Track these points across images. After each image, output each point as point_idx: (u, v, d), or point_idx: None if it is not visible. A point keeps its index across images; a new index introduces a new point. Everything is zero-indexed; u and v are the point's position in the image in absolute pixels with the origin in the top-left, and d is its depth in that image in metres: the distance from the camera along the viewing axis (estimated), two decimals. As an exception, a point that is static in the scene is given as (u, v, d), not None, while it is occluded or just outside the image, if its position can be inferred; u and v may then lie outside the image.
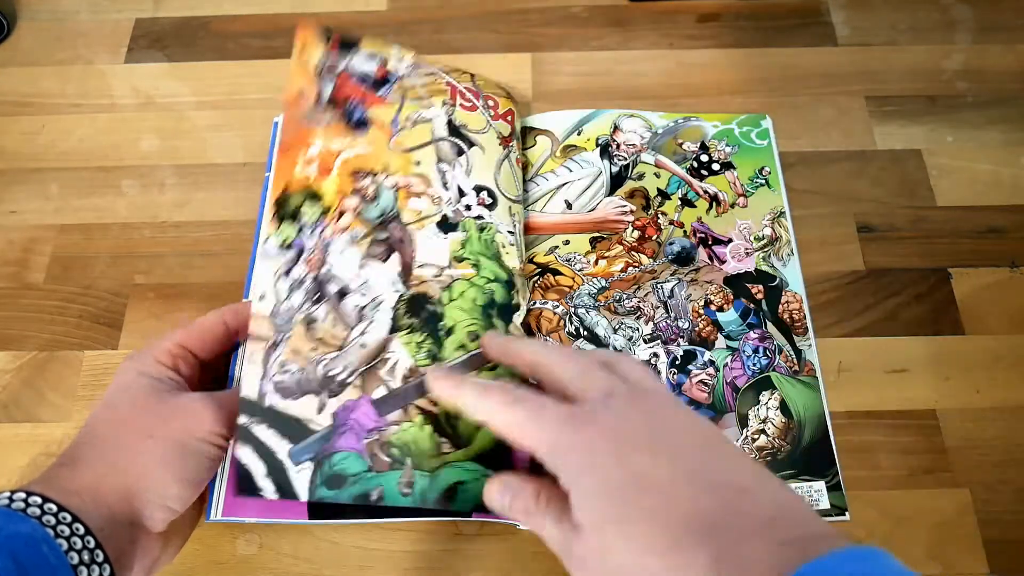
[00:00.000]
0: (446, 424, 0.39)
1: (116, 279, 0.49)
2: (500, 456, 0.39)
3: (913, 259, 0.49)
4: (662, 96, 0.54)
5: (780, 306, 0.46)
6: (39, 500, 0.30)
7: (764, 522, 0.27)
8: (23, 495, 0.30)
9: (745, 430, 0.42)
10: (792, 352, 0.45)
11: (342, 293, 0.41)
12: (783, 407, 0.43)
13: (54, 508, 0.30)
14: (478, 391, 0.33)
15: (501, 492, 0.33)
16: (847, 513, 0.41)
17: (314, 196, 0.43)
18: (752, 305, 0.46)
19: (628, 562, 0.27)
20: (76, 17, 0.59)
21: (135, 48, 0.58)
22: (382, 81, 0.47)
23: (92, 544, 0.30)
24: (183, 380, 0.38)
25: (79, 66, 0.57)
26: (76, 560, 0.29)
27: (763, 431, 0.42)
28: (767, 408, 0.43)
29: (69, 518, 0.30)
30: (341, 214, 0.43)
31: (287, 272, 0.41)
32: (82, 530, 0.30)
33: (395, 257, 0.43)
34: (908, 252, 0.49)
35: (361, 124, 0.45)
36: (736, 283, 0.46)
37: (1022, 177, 0.51)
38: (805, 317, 0.45)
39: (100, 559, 0.30)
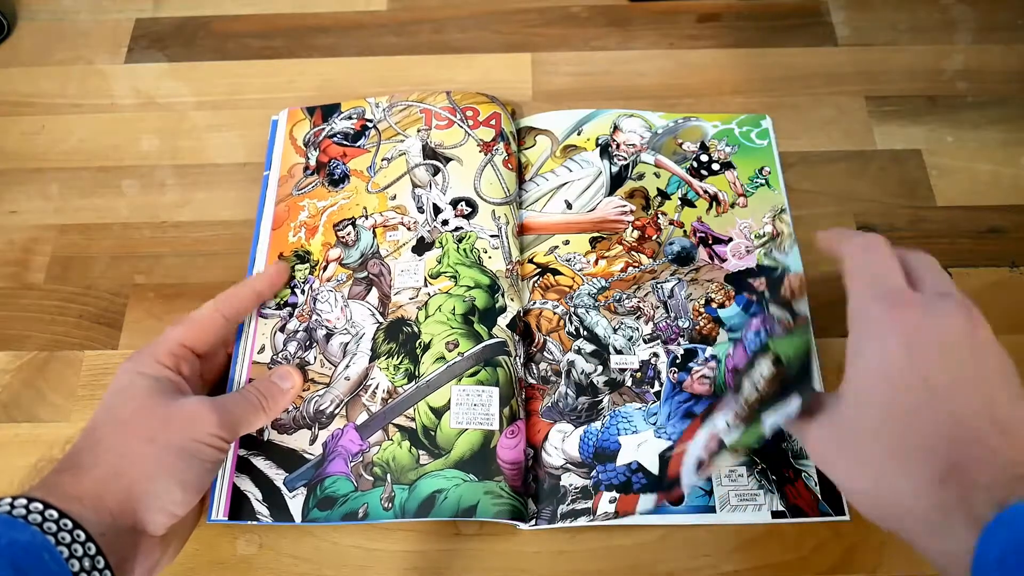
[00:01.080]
0: (423, 437, 0.41)
1: (116, 279, 0.49)
2: (481, 462, 0.40)
3: (913, 259, 0.48)
4: (662, 96, 0.54)
5: (781, 287, 0.46)
6: (40, 507, 0.30)
7: (1007, 461, 0.27)
8: (24, 501, 0.30)
9: (740, 395, 0.42)
10: (788, 315, 0.45)
11: (328, 335, 0.44)
12: (776, 361, 0.43)
13: (55, 515, 0.30)
14: (850, 237, 0.35)
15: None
16: (847, 513, 0.41)
17: (304, 256, 0.46)
18: (754, 297, 0.46)
19: (865, 441, 0.29)
20: (76, 17, 0.59)
21: (135, 48, 0.58)
22: (360, 133, 0.50)
23: (93, 551, 0.30)
24: (184, 381, 0.38)
25: (79, 66, 0.57)
26: (77, 568, 0.29)
27: (755, 388, 0.42)
28: (761, 367, 0.43)
29: (70, 525, 0.30)
30: (326, 265, 0.46)
31: (282, 327, 0.44)
32: (83, 537, 0.30)
33: (374, 291, 0.45)
34: (908, 252, 0.49)
35: (342, 179, 0.48)
36: (738, 280, 0.46)
37: (1022, 177, 0.51)
38: (803, 284, 0.45)
39: (101, 565, 0.30)
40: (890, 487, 0.29)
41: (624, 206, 0.49)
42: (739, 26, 0.57)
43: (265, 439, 0.42)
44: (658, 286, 0.46)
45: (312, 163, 0.49)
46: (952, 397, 0.29)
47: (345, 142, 0.50)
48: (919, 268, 0.34)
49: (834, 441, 0.31)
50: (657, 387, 0.43)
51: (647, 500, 0.40)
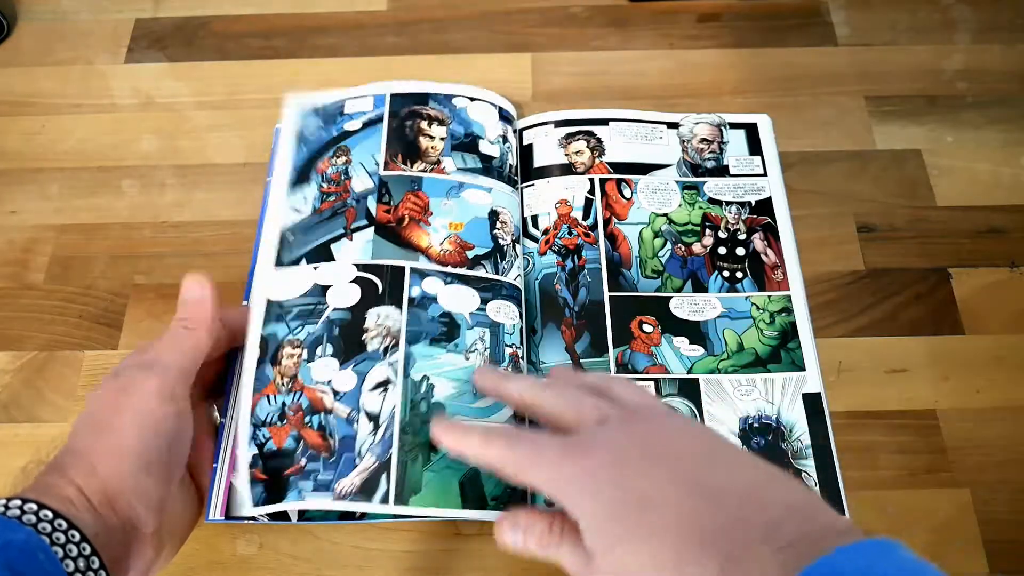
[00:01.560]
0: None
1: (116, 279, 0.49)
2: None
3: (913, 259, 0.49)
4: (662, 96, 0.54)
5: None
6: (34, 507, 0.30)
7: (769, 526, 0.27)
8: (18, 503, 0.30)
9: None
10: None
11: None
12: None
13: (49, 515, 0.30)
14: (481, 439, 0.34)
15: (512, 530, 0.33)
16: (847, 513, 0.41)
17: None
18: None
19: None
20: (76, 17, 0.59)
21: (135, 48, 0.58)
22: None
23: (88, 551, 0.30)
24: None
25: (79, 66, 0.57)
26: (72, 568, 0.29)
27: None
28: None
29: (64, 525, 0.30)
30: None
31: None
32: (77, 537, 0.30)
33: None
34: (908, 252, 0.49)
35: None
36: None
37: (1022, 177, 0.51)
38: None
39: (96, 565, 0.30)
40: None
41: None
42: (739, 26, 0.58)
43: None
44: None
45: None
46: (678, 498, 0.28)
47: None
48: (559, 412, 0.34)
49: None
50: None
51: None
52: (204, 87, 0.56)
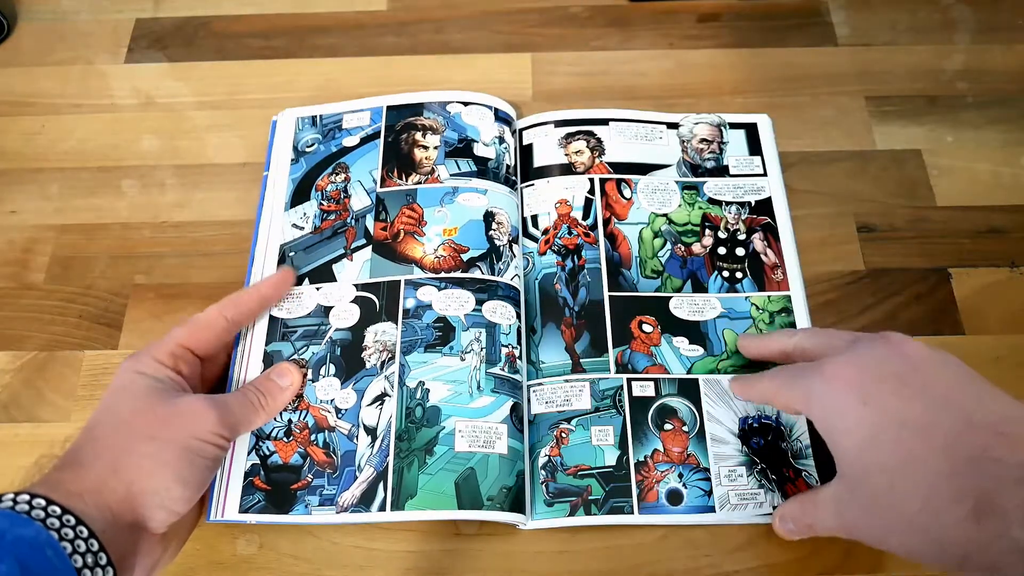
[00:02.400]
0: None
1: (116, 279, 0.49)
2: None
3: (913, 259, 0.49)
4: (662, 96, 0.54)
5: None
6: (43, 503, 0.30)
7: (1021, 468, 0.26)
8: (27, 497, 0.30)
9: None
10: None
11: None
12: None
13: (58, 511, 0.30)
14: (762, 380, 0.38)
15: (785, 527, 0.38)
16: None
17: None
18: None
19: (893, 508, 0.29)
20: (76, 17, 0.59)
21: (135, 48, 0.58)
22: None
23: (96, 547, 0.30)
24: (183, 380, 0.38)
25: (79, 66, 0.57)
26: (80, 563, 0.29)
27: None
28: None
29: (73, 521, 0.30)
30: None
31: None
32: (86, 533, 0.30)
33: None
34: (908, 252, 0.49)
35: None
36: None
37: (1022, 177, 0.51)
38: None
39: (103, 562, 0.30)
40: (939, 537, 0.28)
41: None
42: (739, 26, 0.57)
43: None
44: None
45: None
46: (936, 423, 0.28)
47: None
48: (812, 343, 0.35)
49: (873, 519, 0.30)
50: None
51: None
52: (204, 87, 0.56)
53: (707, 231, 0.48)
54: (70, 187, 0.52)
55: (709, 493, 0.41)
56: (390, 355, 0.43)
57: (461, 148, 0.49)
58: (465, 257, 0.45)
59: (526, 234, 0.48)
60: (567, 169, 0.50)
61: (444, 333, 0.43)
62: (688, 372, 0.44)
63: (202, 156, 0.53)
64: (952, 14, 0.58)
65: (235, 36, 0.58)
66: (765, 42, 0.57)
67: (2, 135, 0.54)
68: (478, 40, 0.57)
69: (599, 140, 0.51)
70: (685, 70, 0.56)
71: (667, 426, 0.42)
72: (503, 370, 0.42)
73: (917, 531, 0.29)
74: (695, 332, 0.45)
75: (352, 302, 0.44)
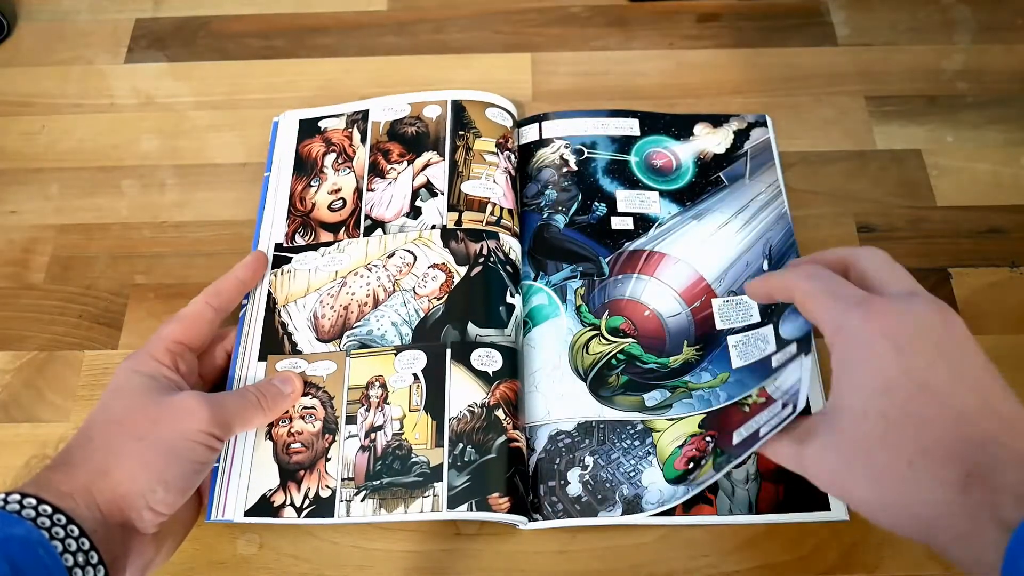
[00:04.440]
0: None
1: (116, 279, 0.49)
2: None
3: (913, 259, 0.48)
4: (661, 96, 0.54)
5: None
6: (34, 502, 0.30)
7: (1022, 456, 0.27)
8: (18, 497, 0.30)
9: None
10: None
11: None
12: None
13: (49, 510, 0.30)
14: (785, 271, 0.35)
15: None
16: (847, 513, 0.41)
17: None
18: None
19: (874, 458, 0.28)
20: (76, 17, 0.59)
21: (135, 48, 0.58)
22: None
23: (87, 546, 0.30)
24: (181, 378, 0.38)
25: (79, 66, 0.57)
26: (71, 562, 0.29)
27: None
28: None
29: (64, 520, 0.30)
30: None
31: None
32: (77, 532, 0.30)
33: None
34: (908, 252, 0.49)
35: None
36: None
37: (1022, 177, 0.51)
38: None
39: (95, 561, 0.30)
40: (913, 497, 0.28)
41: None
42: (739, 26, 0.57)
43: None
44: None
45: None
46: (954, 397, 0.28)
47: None
48: (874, 268, 0.33)
49: (841, 459, 0.30)
50: None
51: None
52: (204, 87, 0.56)
53: None
54: (70, 187, 0.52)
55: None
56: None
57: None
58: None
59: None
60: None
61: None
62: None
63: (202, 156, 0.53)
64: (952, 14, 0.58)
65: (235, 36, 0.58)
66: (765, 42, 0.57)
67: (2, 135, 0.54)
68: (478, 40, 0.57)
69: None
70: (685, 70, 0.56)
71: None
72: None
73: (890, 484, 0.28)
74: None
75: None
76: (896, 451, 0.28)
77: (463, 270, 0.45)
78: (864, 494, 0.29)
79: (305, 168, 0.50)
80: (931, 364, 0.29)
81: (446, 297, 0.44)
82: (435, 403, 0.41)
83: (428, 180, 0.48)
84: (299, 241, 0.47)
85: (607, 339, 0.45)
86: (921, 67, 0.55)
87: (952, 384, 0.29)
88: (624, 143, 0.51)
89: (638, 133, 0.51)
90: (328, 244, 0.47)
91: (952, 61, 0.56)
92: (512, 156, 0.49)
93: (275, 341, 0.44)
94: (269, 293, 0.46)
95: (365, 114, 0.51)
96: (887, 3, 0.58)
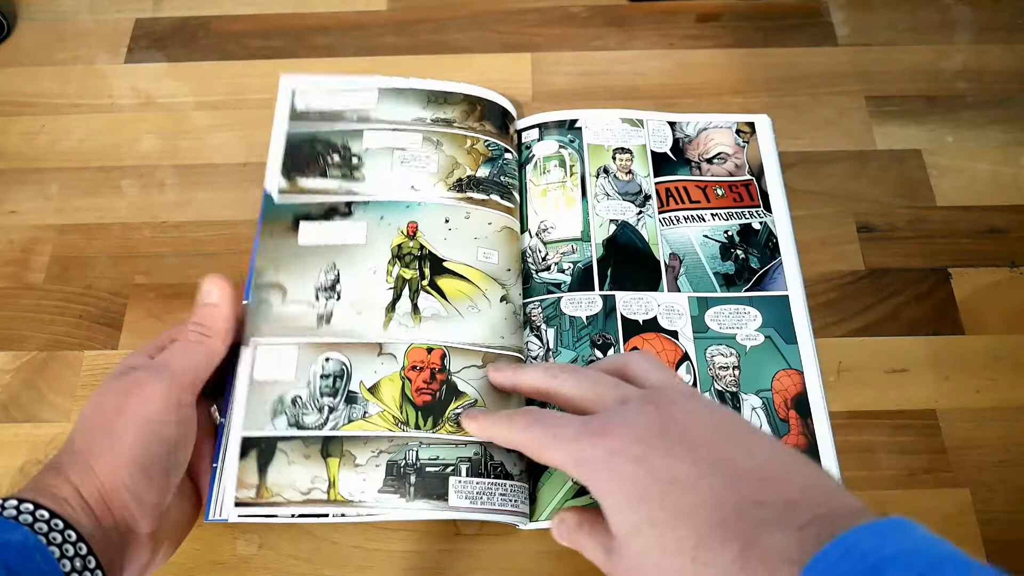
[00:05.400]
0: None
1: (116, 279, 0.49)
2: None
3: (913, 259, 0.49)
4: (661, 96, 0.54)
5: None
6: (31, 507, 0.30)
7: (785, 508, 0.27)
8: (14, 502, 0.30)
9: None
10: None
11: None
12: None
13: (46, 515, 0.30)
14: (504, 423, 0.36)
15: (558, 530, 0.36)
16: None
17: None
18: None
19: (662, 564, 0.28)
20: (76, 17, 0.59)
21: (135, 48, 0.58)
22: None
23: (84, 551, 0.30)
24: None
25: (79, 66, 0.57)
26: (68, 568, 0.29)
27: None
28: None
29: (61, 525, 0.30)
30: None
31: None
32: (74, 537, 0.30)
33: None
34: (908, 252, 0.49)
35: None
36: None
37: (1022, 177, 0.51)
38: None
39: (92, 565, 0.30)
40: None
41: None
42: (739, 26, 0.57)
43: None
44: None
45: None
46: (701, 478, 0.28)
47: None
48: (579, 388, 0.34)
49: (626, 570, 0.30)
50: None
51: None
52: (204, 87, 0.56)
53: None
54: (70, 187, 0.52)
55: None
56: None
57: None
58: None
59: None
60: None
61: None
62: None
63: (202, 156, 0.53)
64: (952, 14, 0.58)
65: (235, 36, 0.58)
66: (765, 42, 0.57)
67: (2, 135, 0.54)
68: (478, 40, 0.57)
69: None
70: (685, 70, 0.56)
71: None
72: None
73: None
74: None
75: None
76: (676, 552, 0.28)
77: None
78: None
79: None
80: (670, 458, 0.29)
81: None
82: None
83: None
84: None
85: None
86: (921, 67, 0.55)
87: (696, 467, 0.29)
88: None
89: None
90: None
91: (952, 61, 0.56)
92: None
93: None
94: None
95: None
96: (887, 3, 0.58)
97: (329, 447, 0.40)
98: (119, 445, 0.33)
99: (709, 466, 0.29)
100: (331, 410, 0.41)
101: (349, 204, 0.46)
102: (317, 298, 0.43)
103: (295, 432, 0.40)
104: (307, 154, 0.48)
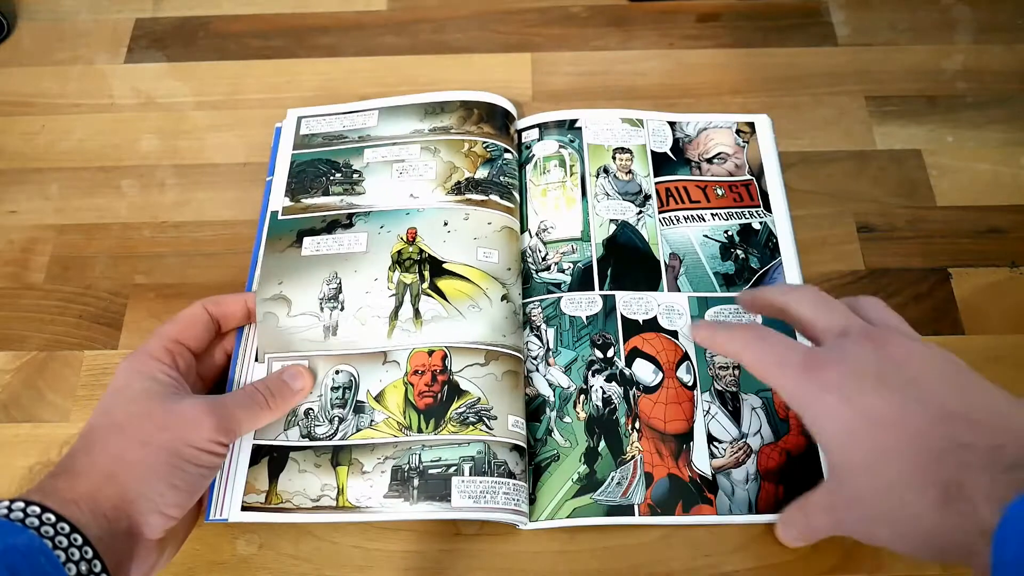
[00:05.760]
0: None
1: (116, 279, 0.49)
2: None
3: (913, 259, 0.49)
4: (661, 96, 0.54)
5: None
6: (37, 510, 0.30)
7: (991, 451, 0.27)
8: (21, 505, 0.30)
9: None
10: None
11: None
12: None
13: (52, 518, 0.30)
14: (729, 331, 0.36)
15: (786, 531, 0.38)
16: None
17: None
18: None
19: (874, 503, 0.30)
20: (76, 17, 0.59)
21: (135, 48, 0.58)
22: None
23: (90, 555, 0.30)
24: (181, 378, 0.38)
25: (79, 66, 0.57)
26: (74, 571, 0.29)
27: None
28: None
29: (67, 528, 0.30)
30: None
31: None
32: (80, 540, 0.30)
33: None
34: (908, 252, 0.49)
35: None
36: None
37: (1022, 177, 0.51)
38: None
39: (98, 569, 0.30)
40: (911, 531, 0.29)
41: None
42: (739, 26, 0.58)
43: None
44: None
45: None
46: (906, 418, 0.29)
47: None
48: (805, 313, 0.35)
49: (846, 510, 0.32)
50: None
51: None
52: (204, 87, 0.56)
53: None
54: (70, 187, 0.52)
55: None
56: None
57: None
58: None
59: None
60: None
61: None
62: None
63: (202, 156, 0.53)
64: (952, 14, 0.58)
65: (235, 36, 0.58)
66: (765, 42, 0.57)
67: (2, 135, 0.54)
68: (478, 40, 0.57)
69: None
70: (685, 70, 0.56)
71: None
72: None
73: (899, 524, 0.29)
74: None
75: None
76: (885, 493, 0.29)
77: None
78: (891, 538, 0.31)
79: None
80: (879, 397, 0.30)
81: None
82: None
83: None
84: None
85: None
86: (921, 67, 0.55)
87: (903, 406, 0.29)
88: None
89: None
90: None
91: (952, 61, 0.56)
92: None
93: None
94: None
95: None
96: (887, 3, 0.58)
97: (339, 456, 0.40)
98: (155, 458, 0.34)
99: (917, 404, 0.29)
100: (341, 420, 0.41)
101: (350, 215, 0.46)
102: (321, 309, 0.43)
103: (307, 443, 0.41)
104: (311, 175, 0.48)
